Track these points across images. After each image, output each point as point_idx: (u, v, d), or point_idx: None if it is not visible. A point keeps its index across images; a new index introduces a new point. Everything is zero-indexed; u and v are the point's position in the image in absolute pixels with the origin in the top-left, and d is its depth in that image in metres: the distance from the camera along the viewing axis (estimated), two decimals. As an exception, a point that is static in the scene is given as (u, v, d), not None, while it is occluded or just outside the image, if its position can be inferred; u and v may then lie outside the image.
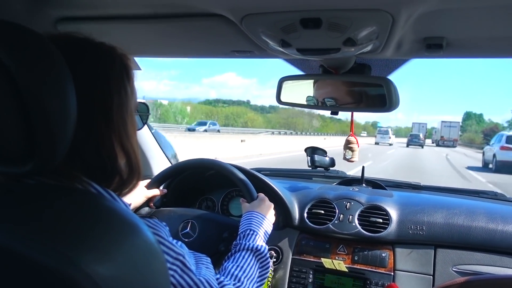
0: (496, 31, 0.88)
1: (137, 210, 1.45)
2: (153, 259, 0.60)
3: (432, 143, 62.25)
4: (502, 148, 15.68)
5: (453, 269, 1.35)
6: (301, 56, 1.03)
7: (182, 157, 1.84)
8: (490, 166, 16.86)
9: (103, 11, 0.98)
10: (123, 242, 0.56)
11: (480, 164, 18.58)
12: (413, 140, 41.80)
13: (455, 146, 48.81)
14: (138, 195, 1.42)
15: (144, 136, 1.81)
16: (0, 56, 0.54)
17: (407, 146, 40.63)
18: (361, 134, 71.82)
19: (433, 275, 1.36)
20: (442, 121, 54.86)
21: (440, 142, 51.40)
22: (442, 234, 1.40)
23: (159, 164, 1.88)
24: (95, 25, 1.03)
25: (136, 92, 0.78)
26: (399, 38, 0.93)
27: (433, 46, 0.96)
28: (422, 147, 39.97)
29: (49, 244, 0.50)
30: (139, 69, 1.47)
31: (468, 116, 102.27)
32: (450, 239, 1.39)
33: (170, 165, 1.90)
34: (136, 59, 1.42)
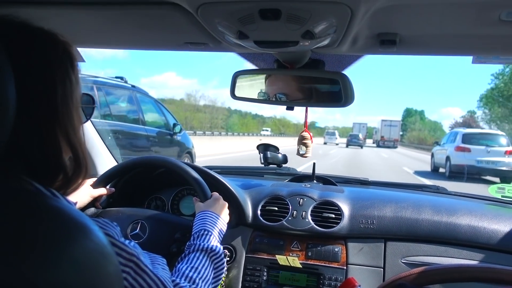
0: (446, 29, 0.91)
1: (82, 210, 1.37)
2: (105, 262, 0.56)
3: (373, 143, 60.62)
4: (458, 148, 12.50)
5: (402, 261, 1.39)
6: (258, 49, 1.00)
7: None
8: (442, 170, 14.03)
9: None
10: (70, 244, 0.51)
11: (428, 168, 15.70)
12: (353, 141, 41.50)
13: (395, 147, 46.86)
14: (83, 195, 1.34)
15: (88, 132, 1.71)
16: None
17: (347, 146, 40.10)
18: (263, 132, 57.03)
19: (384, 268, 1.39)
20: (382, 120, 52.06)
21: (381, 143, 49.05)
22: (392, 227, 1.44)
23: (104, 162, 1.78)
24: (33, 10, 0.94)
25: (80, 83, 0.72)
26: (355, 33, 0.93)
27: (387, 42, 0.98)
28: (362, 148, 39.61)
29: None
30: (83, 61, 1.38)
31: (408, 113, 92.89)
32: (399, 232, 1.43)
33: (116, 163, 1.81)
34: (79, 50, 1.33)
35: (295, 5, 0.77)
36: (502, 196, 1.72)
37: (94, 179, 1.43)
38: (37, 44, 0.64)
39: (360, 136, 43.68)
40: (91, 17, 0.98)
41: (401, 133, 58.42)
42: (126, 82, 6.51)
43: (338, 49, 1.04)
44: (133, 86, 6.58)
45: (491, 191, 1.74)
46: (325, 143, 43.97)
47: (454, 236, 1.40)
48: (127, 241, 0.77)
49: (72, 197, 1.29)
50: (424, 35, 0.97)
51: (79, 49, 1.34)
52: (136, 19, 0.97)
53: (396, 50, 1.01)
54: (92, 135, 1.74)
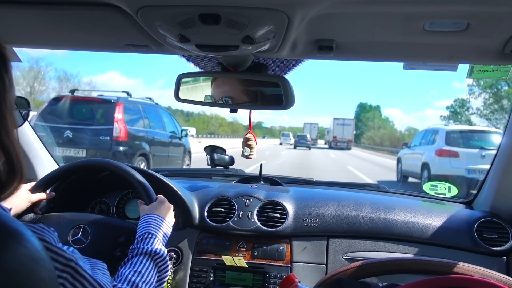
0: (378, 37, 0.97)
1: (20, 216, 1.31)
2: (39, 268, 0.55)
3: (325, 144, 55.89)
4: (441, 152, 9.02)
5: (343, 256, 1.46)
6: (200, 53, 1.01)
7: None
8: (413, 180, 10.59)
9: None
10: (2, 251, 0.50)
11: (392, 176, 12.18)
12: (300, 142, 39.22)
13: (349, 148, 42.33)
14: (20, 200, 1.29)
15: (26, 134, 1.64)
16: None
17: (294, 147, 37.54)
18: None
19: (326, 264, 1.45)
20: (335, 119, 46.87)
21: (333, 144, 43.91)
22: (334, 225, 1.50)
23: (44, 165, 1.71)
24: None
25: (14, 85, 0.70)
26: (294, 38, 0.97)
27: (324, 48, 1.02)
28: (309, 149, 37.36)
29: None
30: (20, 61, 1.32)
31: (362, 108, 78.43)
32: (340, 229, 1.50)
33: (57, 166, 1.75)
34: (16, 50, 1.28)
35: (234, 10, 0.79)
36: (435, 193, 1.83)
37: (33, 184, 1.38)
38: None
39: (308, 136, 41.67)
40: (29, 17, 0.95)
41: (355, 132, 51.92)
42: (152, 101, 8.86)
43: (278, 54, 1.08)
44: (156, 103, 8.96)
45: (426, 188, 1.85)
46: (281, 144, 44.41)
47: (391, 232, 1.48)
48: (65, 247, 0.75)
49: (7, 203, 1.24)
50: (358, 42, 1.02)
51: (15, 48, 1.28)
52: (75, 19, 0.95)
53: (333, 56, 1.06)
54: (30, 138, 1.66)
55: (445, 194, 1.84)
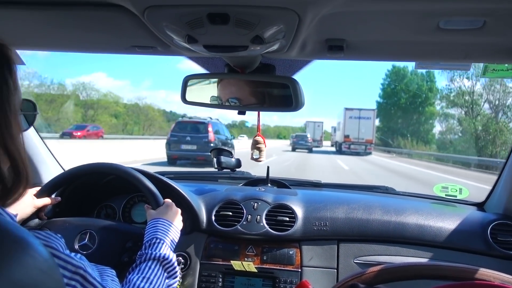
0: (390, 35, 0.94)
1: (25, 222, 1.29)
2: (46, 278, 0.53)
3: (332, 146, 44.14)
4: None
5: (354, 261, 1.43)
6: (208, 54, 0.99)
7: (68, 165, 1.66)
8: None
9: None
10: (8, 262, 0.48)
11: None
12: (299, 143, 31.58)
13: (368, 153, 29.23)
14: (26, 205, 1.27)
15: (31, 138, 1.62)
16: None
17: (293, 150, 30.87)
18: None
19: (337, 269, 1.42)
20: (347, 109, 31.30)
21: (344, 146, 29.93)
22: (344, 228, 1.48)
23: (49, 170, 1.70)
24: None
25: (20, 88, 0.68)
26: (304, 38, 0.94)
27: (334, 48, 1.00)
28: (310, 151, 30.44)
29: None
30: (23, 63, 1.31)
31: (397, 77, 45.38)
32: (351, 233, 1.47)
33: (62, 171, 1.73)
34: (19, 52, 1.26)
35: (244, 10, 0.77)
36: (446, 195, 1.80)
37: (38, 188, 1.36)
38: None
39: (309, 137, 33.49)
40: (32, 18, 0.94)
41: (376, 126, 34.50)
42: (218, 120, 15.38)
43: (287, 54, 1.06)
44: (217, 119, 15.31)
45: (436, 190, 1.82)
46: (294, 149, 31.85)
47: (403, 235, 1.45)
48: (73, 254, 0.74)
49: (12, 208, 1.22)
50: (370, 41, 1.00)
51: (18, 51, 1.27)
52: (79, 21, 0.93)
53: (344, 56, 1.04)
54: (35, 142, 1.65)
55: (456, 196, 1.81)
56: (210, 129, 13.91)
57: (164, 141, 14.39)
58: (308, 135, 34.35)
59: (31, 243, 0.53)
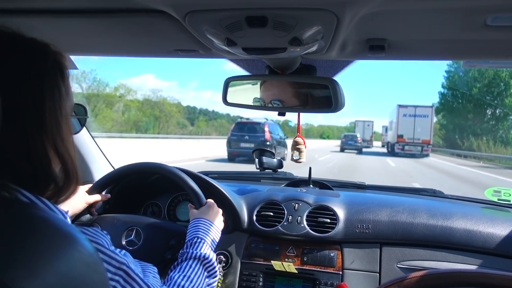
0: (434, 34, 0.91)
1: (77, 217, 1.37)
2: (91, 272, 0.56)
3: (382, 146, 43.11)
4: None
5: (398, 265, 1.39)
6: (247, 56, 1.01)
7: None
8: None
9: (35, 4, 0.90)
10: (56, 255, 0.52)
11: None
12: (348, 143, 30.51)
13: (425, 155, 26.60)
14: (78, 201, 1.35)
15: (83, 139, 1.72)
16: None
17: (342, 150, 29.75)
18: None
19: (379, 272, 1.39)
20: (400, 106, 28.40)
21: (397, 147, 27.19)
22: (387, 231, 1.44)
23: (100, 168, 1.79)
24: (26, 20, 0.94)
25: (72, 93, 0.73)
26: (343, 39, 0.93)
27: (376, 48, 0.98)
28: (360, 152, 29.17)
29: None
30: (76, 68, 1.39)
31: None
32: (394, 236, 1.43)
33: (112, 169, 1.82)
34: (73, 57, 1.34)
35: (281, 12, 0.78)
36: (498, 199, 1.71)
37: (90, 185, 1.44)
38: (26, 55, 0.64)
39: (359, 137, 32.45)
40: (83, 26, 0.99)
41: (439, 122, 31.57)
42: (272, 120, 16.82)
43: (327, 55, 1.05)
44: (272, 120, 16.81)
45: (487, 194, 1.73)
46: (342, 150, 30.83)
47: (450, 240, 1.39)
48: (117, 250, 0.77)
49: (66, 205, 1.30)
50: (413, 40, 0.97)
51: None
52: (125, 27, 0.98)
53: (385, 55, 1.01)
54: (87, 142, 1.74)
55: (509, 201, 1.71)
56: (266, 129, 15.70)
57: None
58: (358, 135, 32.89)
59: (78, 238, 0.56)
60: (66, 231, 0.55)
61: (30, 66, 0.64)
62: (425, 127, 27.29)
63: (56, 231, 0.55)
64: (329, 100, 1.14)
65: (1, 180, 0.61)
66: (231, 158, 15.64)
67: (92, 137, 1.78)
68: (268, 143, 15.11)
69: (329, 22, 0.81)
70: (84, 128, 1.69)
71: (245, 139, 15.53)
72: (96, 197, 1.41)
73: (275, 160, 1.77)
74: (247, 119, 16.85)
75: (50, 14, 0.91)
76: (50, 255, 0.51)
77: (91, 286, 0.56)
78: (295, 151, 1.43)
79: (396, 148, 27.38)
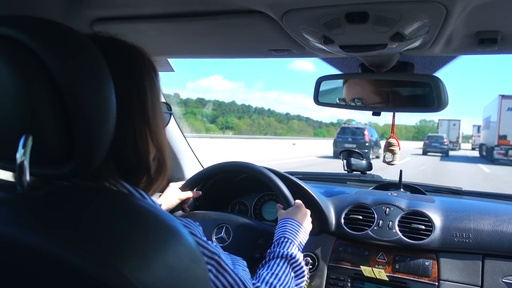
0: None
1: (171, 212, 1.43)
2: (194, 266, 0.57)
3: (473, 149, 38.96)
4: None
5: (503, 280, 1.26)
6: (344, 54, 0.98)
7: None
8: None
9: (138, 11, 0.96)
10: (164, 247, 0.53)
11: None
12: (432, 145, 26.75)
13: None
14: (172, 197, 1.41)
15: (176, 137, 1.80)
16: (41, 56, 0.52)
17: (424, 153, 26.56)
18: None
19: (482, 286, 1.27)
20: (503, 96, 21.06)
21: (497, 151, 20.57)
22: (491, 242, 1.32)
23: (191, 166, 1.86)
24: (131, 25, 1.01)
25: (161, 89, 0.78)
26: (450, 32, 0.87)
27: (487, 41, 0.90)
28: (446, 155, 25.37)
29: (89, 249, 0.47)
30: (172, 70, 1.45)
31: None
32: (499, 248, 1.30)
33: (201, 167, 1.88)
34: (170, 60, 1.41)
35: (384, 6, 0.74)
36: None
37: (182, 182, 1.50)
38: (129, 55, 0.69)
39: (445, 138, 27.73)
40: (182, 29, 1.03)
41: None
42: (370, 125, 22.80)
43: (430, 51, 0.98)
44: (365, 123, 21.74)
45: None
46: (425, 153, 27.64)
47: None
48: (209, 241, 0.79)
49: (160, 200, 1.37)
50: None
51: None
52: (223, 29, 1.00)
53: (497, 49, 0.92)
54: (178, 141, 1.82)
55: None
56: (366, 132, 18.91)
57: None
58: (444, 136, 28.58)
59: (182, 232, 0.58)
60: (171, 224, 0.57)
61: (134, 67, 0.69)
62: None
63: (162, 224, 0.56)
64: (425, 98, 1.08)
65: (110, 173, 0.65)
66: (337, 156, 18.39)
67: (184, 136, 1.85)
68: (367, 144, 18.32)
69: (437, 15, 0.75)
70: (178, 127, 1.77)
71: (348, 140, 18.87)
72: (189, 194, 1.47)
73: (363, 161, 1.71)
74: (349, 124, 21.16)
75: (154, 19, 0.97)
76: (159, 248, 0.53)
77: (194, 281, 0.57)
78: (388, 152, 1.36)
79: (496, 153, 20.69)
